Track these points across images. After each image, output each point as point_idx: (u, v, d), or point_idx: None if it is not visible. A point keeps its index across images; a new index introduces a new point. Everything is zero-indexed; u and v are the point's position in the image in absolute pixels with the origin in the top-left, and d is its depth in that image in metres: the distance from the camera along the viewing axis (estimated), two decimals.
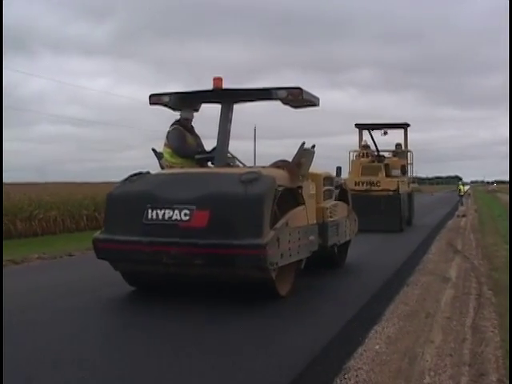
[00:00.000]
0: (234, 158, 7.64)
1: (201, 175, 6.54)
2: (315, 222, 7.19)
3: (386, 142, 18.96)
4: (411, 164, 18.82)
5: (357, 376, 4.18)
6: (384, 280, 7.73)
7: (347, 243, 9.21)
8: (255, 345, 4.65)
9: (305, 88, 7.14)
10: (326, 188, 8.03)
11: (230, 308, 5.82)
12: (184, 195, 5.93)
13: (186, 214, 5.81)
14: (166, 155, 7.66)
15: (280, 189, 6.14)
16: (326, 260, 8.33)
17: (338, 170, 17.58)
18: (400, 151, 18.69)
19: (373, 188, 16.14)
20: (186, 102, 7.72)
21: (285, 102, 7.43)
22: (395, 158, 18.12)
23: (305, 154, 6.94)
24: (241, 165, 7.66)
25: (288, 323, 5.36)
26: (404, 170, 17.59)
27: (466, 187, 46.62)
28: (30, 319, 5.49)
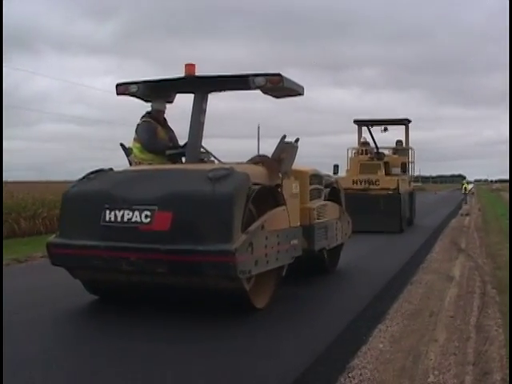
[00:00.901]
0: (208, 153, 7.00)
1: (165, 172, 5.97)
2: (299, 224, 6.55)
3: (388, 139, 18.75)
4: (412, 162, 18.26)
5: (361, 375, 4.18)
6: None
7: (339, 247, 8.61)
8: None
9: (285, 75, 6.55)
10: (313, 187, 7.47)
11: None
12: (145, 194, 5.38)
13: (146, 216, 5.24)
14: (135, 150, 7.12)
15: (255, 187, 5.58)
16: (314, 266, 7.81)
17: (336, 167, 17.11)
18: (401, 148, 18.13)
19: (371, 187, 15.57)
20: (157, 91, 7.08)
21: (264, 90, 6.77)
22: (395, 156, 17.61)
23: (286, 149, 6.36)
24: (216, 161, 7.03)
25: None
26: (404, 168, 17.08)
27: (470, 185, 46.60)
28: (29, 318, 5.52)
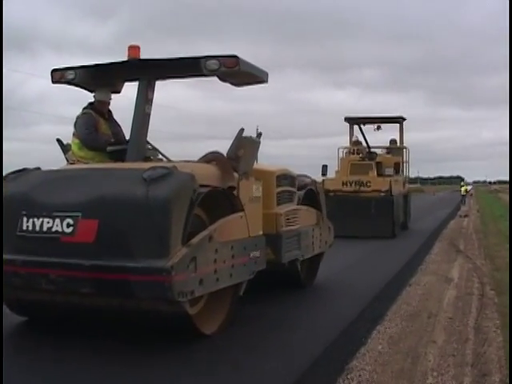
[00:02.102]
0: (155, 150, 6.10)
1: (95, 172, 5.03)
2: (261, 232, 5.71)
3: (385, 139, 17.91)
4: (407, 162, 17.34)
5: (359, 376, 4.19)
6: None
7: (318, 257, 7.65)
8: None
9: (243, 57, 5.64)
10: (282, 189, 6.57)
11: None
12: (68, 199, 4.52)
13: (68, 225, 4.39)
14: (74, 147, 6.15)
15: (203, 190, 4.71)
16: (287, 279, 6.97)
17: (324, 168, 16.00)
18: (394, 148, 17.31)
19: (362, 189, 14.64)
20: (99, 78, 6.06)
21: (222, 77, 5.90)
22: (389, 156, 16.80)
23: (245, 145, 5.51)
24: (164, 159, 6.11)
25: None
26: (398, 168, 16.23)
27: (469, 187, 46.70)
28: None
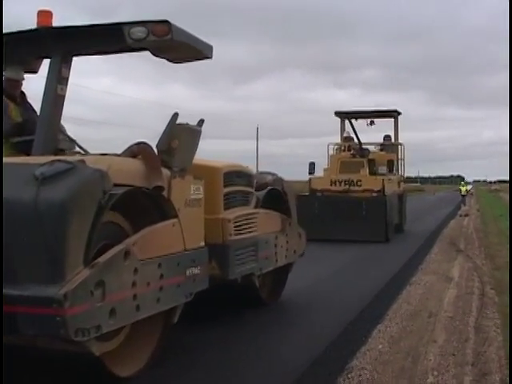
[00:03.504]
0: (72, 141, 5.00)
1: None
2: (203, 243, 4.73)
3: (381, 137, 16.85)
4: (402, 159, 16.23)
5: (360, 375, 4.18)
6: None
7: (284, 269, 6.58)
8: None
9: (175, 23, 4.51)
10: (233, 189, 5.57)
11: None
12: None
13: None
14: None
15: (117, 190, 3.74)
16: (244, 296, 6.03)
17: (311, 166, 15.11)
18: (389, 144, 16.21)
19: (352, 188, 13.64)
20: (7, 53, 4.75)
21: (154, 50, 4.82)
22: (382, 153, 15.74)
23: (180, 134, 4.55)
24: (83, 153, 4.99)
25: None
26: (391, 166, 15.05)
27: (469, 187, 46.70)
28: None
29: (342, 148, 15.65)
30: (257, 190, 6.15)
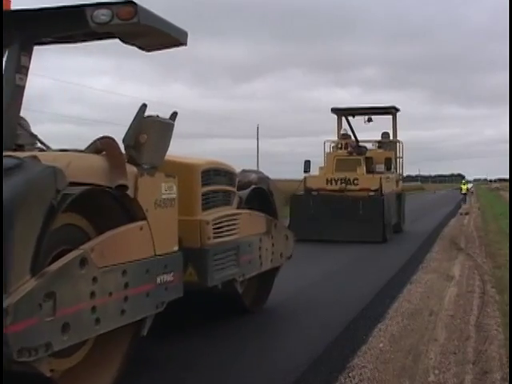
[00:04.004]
0: (33, 136, 4.51)
1: None
2: (176, 248, 4.32)
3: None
4: (401, 157, 15.74)
5: (361, 374, 4.19)
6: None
7: (270, 274, 6.16)
8: None
9: (144, 6, 4.15)
10: (213, 188, 5.19)
11: None
12: None
13: None
14: None
15: (73, 190, 3.36)
16: (226, 303, 5.65)
17: (307, 164, 14.71)
18: (387, 141, 15.67)
19: (349, 187, 13.22)
20: None
21: (122, 36, 4.44)
22: (380, 150, 15.22)
23: (149, 128, 4.16)
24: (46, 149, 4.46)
25: None
26: (389, 164, 14.54)
27: (469, 185, 46.74)
28: None
29: (339, 145, 15.21)
30: (240, 189, 5.77)
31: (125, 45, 4.57)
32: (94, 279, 3.32)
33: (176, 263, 4.23)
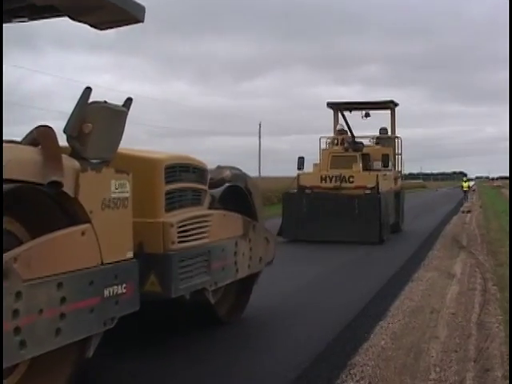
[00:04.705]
0: None
1: None
2: (131, 254, 3.75)
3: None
4: (400, 154, 15.15)
5: (362, 371, 4.20)
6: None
7: (247, 281, 5.59)
8: None
9: None
10: (180, 186, 4.57)
11: None
12: None
13: None
14: None
15: (6, 187, 2.89)
16: (199, 313, 5.15)
17: (300, 161, 14.10)
18: (385, 137, 15.12)
19: (344, 185, 12.63)
20: None
21: (70, 12, 3.85)
22: (378, 146, 14.74)
23: (94, 116, 3.58)
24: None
25: None
26: (386, 161, 13.81)
27: (471, 183, 46.73)
28: None
29: (335, 142, 14.69)
30: (212, 187, 5.16)
31: (74, 22, 3.95)
32: (18, 294, 2.80)
33: (129, 273, 3.65)
